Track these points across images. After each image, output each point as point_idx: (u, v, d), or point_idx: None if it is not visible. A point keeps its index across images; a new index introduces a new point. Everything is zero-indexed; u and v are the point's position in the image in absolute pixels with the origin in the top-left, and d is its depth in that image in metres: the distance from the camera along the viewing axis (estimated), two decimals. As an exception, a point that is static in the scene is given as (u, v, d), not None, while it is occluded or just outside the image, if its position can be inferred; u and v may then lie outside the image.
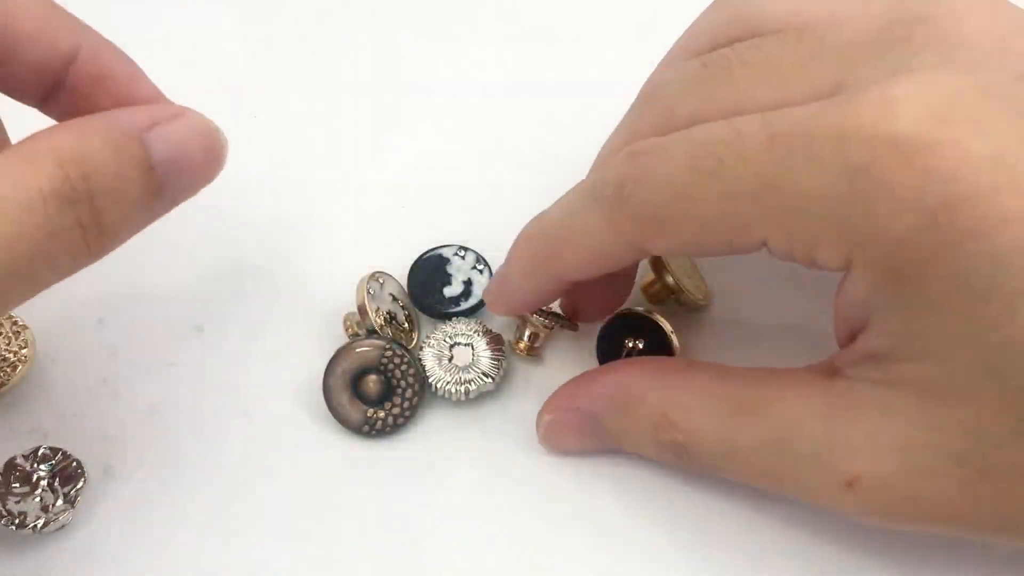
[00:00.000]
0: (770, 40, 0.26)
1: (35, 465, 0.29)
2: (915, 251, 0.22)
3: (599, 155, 0.31)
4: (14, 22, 0.25)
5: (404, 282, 0.34)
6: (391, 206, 0.37)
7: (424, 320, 0.34)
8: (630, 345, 0.32)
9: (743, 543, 0.29)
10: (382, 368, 0.31)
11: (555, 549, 0.29)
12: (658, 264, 0.32)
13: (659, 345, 0.32)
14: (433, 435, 0.32)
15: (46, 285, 0.24)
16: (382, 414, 0.31)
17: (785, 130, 0.23)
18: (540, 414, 0.30)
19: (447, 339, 0.32)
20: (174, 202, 0.26)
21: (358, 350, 0.31)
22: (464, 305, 0.34)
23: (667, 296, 0.33)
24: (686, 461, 0.28)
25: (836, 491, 0.25)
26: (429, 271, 0.34)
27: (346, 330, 0.33)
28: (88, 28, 0.27)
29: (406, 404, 0.31)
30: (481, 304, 0.34)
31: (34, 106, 0.27)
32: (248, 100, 0.39)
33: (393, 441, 0.32)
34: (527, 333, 0.33)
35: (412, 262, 0.34)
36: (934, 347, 0.22)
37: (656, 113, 0.28)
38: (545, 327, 0.32)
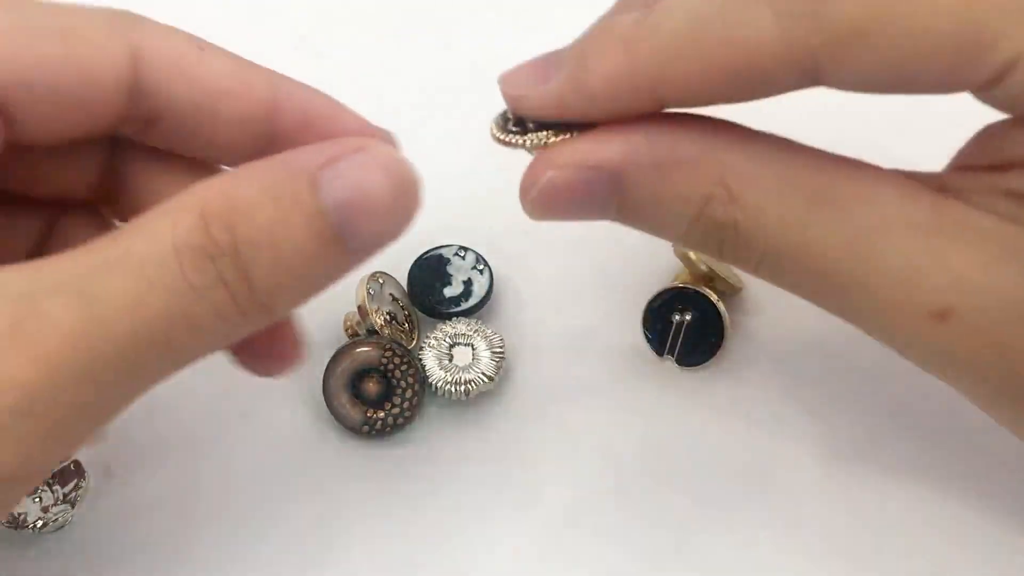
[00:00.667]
0: None
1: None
2: None
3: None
4: (208, 80, 0.23)
5: (404, 282, 0.34)
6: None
7: (424, 320, 0.34)
8: (677, 319, 0.32)
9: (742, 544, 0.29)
10: (382, 368, 0.31)
11: (557, 547, 0.29)
12: (686, 256, 0.32)
13: (709, 316, 0.32)
14: (433, 435, 0.32)
15: (195, 353, 0.21)
16: (382, 414, 0.31)
17: None
18: (535, 170, 0.23)
19: (447, 339, 0.32)
20: (363, 251, 0.22)
21: (358, 350, 0.31)
22: (464, 305, 0.34)
23: (701, 285, 0.32)
24: (731, 249, 0.23)
25: (919, 321, 0.21)
26: (429, 271, 0.34)
27: (346, 330, 0.33)
28: (280, 75, 0.25)
29: (406, 404, 0.31)
30: (481, 305, 0.34)
31: None
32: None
33: (393, 441, 0.31)
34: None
35: (412, 262, 0.34)
36: None
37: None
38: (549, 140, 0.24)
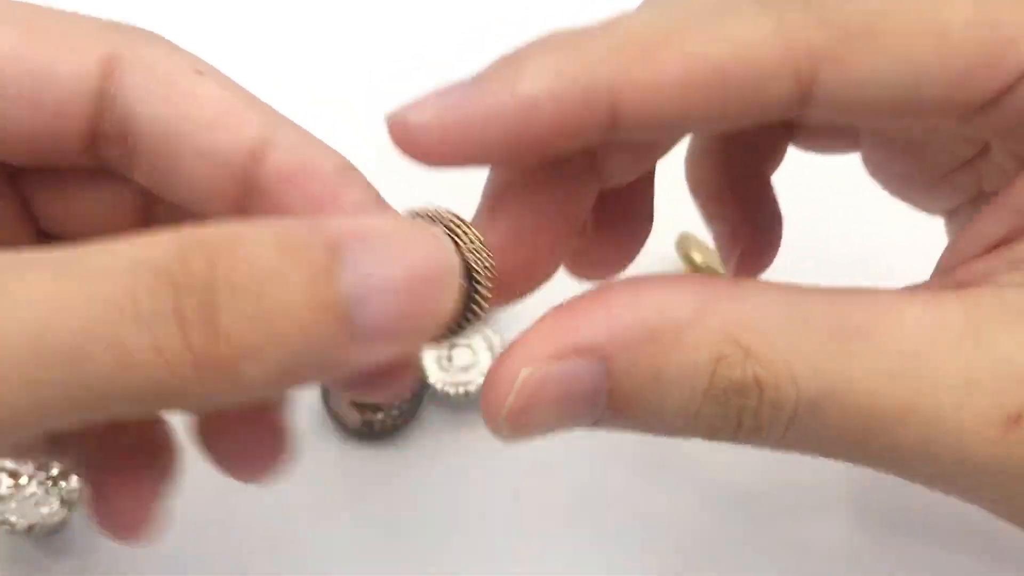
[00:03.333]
0: None
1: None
2: None
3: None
4: (193, 106, 0.20)
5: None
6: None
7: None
8: None
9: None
10: None
11: (556, 547, 0.29)
12: (688, 256, 0.32)
13: None
14: (432, 436, 0.32)
15: (121, 397, 0.16)
16: (380, 416, 0.31)
17: None
18: (500, 375, 0.19)
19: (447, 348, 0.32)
20: (369, 347, 0.17)
21: None
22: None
23: None
24: (754, 416, 0.19)
25: (989, 432, 0.19)
26: None
27: None
28: (283, 118, 0.21)
29: (405, 406, 0.31)
30: None
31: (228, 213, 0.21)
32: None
33: (392, 442, 0.31)
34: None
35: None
36: None
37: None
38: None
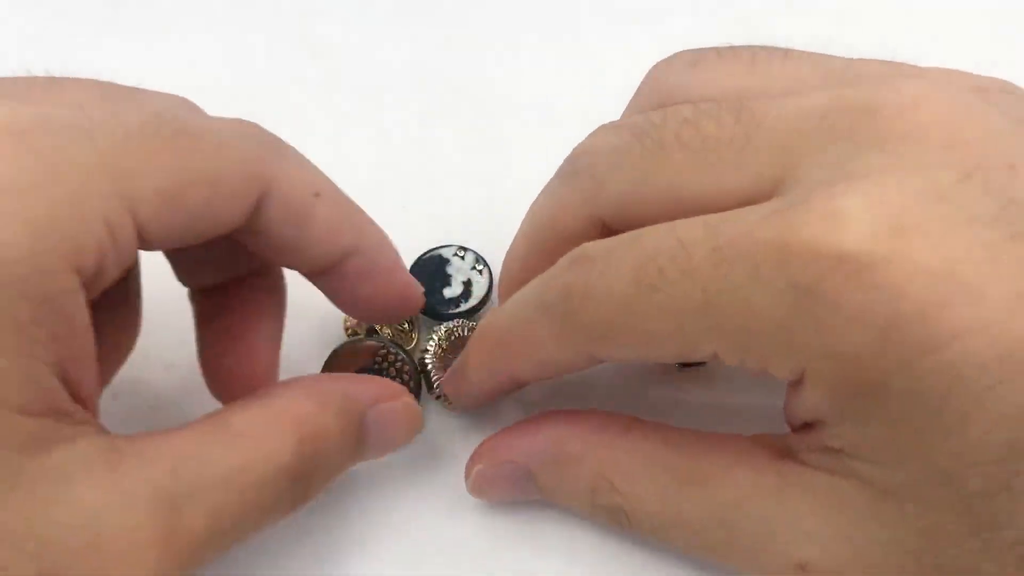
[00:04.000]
0: (705, 115, 0.25)
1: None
2: (867, 368, 0.21)
3: (528, 214, 0.30)
4: (310, 227, 0.26)
5: (404, 283, 0.34)
6: (391, 206, 0.37)
7: (424, 321, 0.34)
8: None
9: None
10: (376, 368, 0.31)
11: (556, 549, 0.30)
12: None
13: None
14: (432, 436, 0.32)
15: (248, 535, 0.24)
16: None
17: (728, 243, 0.22)
18: (470, 463, 0.29)
19: (447, 340, 0.32)
20: (368, 457, 0.28)
21: (353, 351, 0.32)
22: (464, 306, 0.34)
23: None
24: (625, 525, 0.27)
25: (786, 575, 0.24)
26: (429, 272, 0.34)
27: (345, 330, 0.33)
28: (371, 225, 0.28)
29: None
30: (481, 305, 0.34)
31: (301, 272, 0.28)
32: (247, 99, 0.39)
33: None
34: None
35: (411, 263, 0.34)
36: (888, 455, 0.22)
37: (585, 188, 0.27)
38: None
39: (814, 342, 0.22)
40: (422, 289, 0.29)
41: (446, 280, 0.34)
